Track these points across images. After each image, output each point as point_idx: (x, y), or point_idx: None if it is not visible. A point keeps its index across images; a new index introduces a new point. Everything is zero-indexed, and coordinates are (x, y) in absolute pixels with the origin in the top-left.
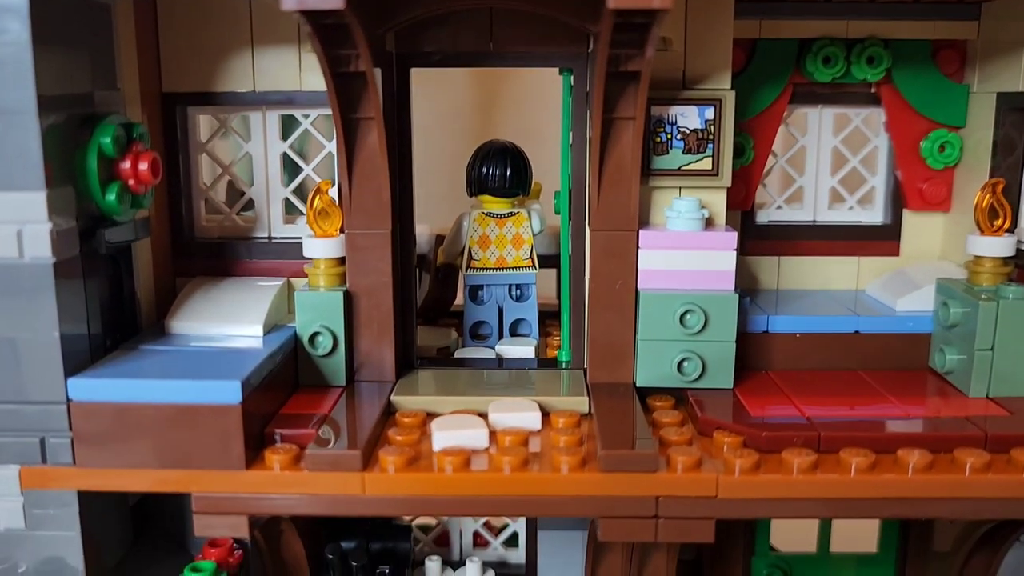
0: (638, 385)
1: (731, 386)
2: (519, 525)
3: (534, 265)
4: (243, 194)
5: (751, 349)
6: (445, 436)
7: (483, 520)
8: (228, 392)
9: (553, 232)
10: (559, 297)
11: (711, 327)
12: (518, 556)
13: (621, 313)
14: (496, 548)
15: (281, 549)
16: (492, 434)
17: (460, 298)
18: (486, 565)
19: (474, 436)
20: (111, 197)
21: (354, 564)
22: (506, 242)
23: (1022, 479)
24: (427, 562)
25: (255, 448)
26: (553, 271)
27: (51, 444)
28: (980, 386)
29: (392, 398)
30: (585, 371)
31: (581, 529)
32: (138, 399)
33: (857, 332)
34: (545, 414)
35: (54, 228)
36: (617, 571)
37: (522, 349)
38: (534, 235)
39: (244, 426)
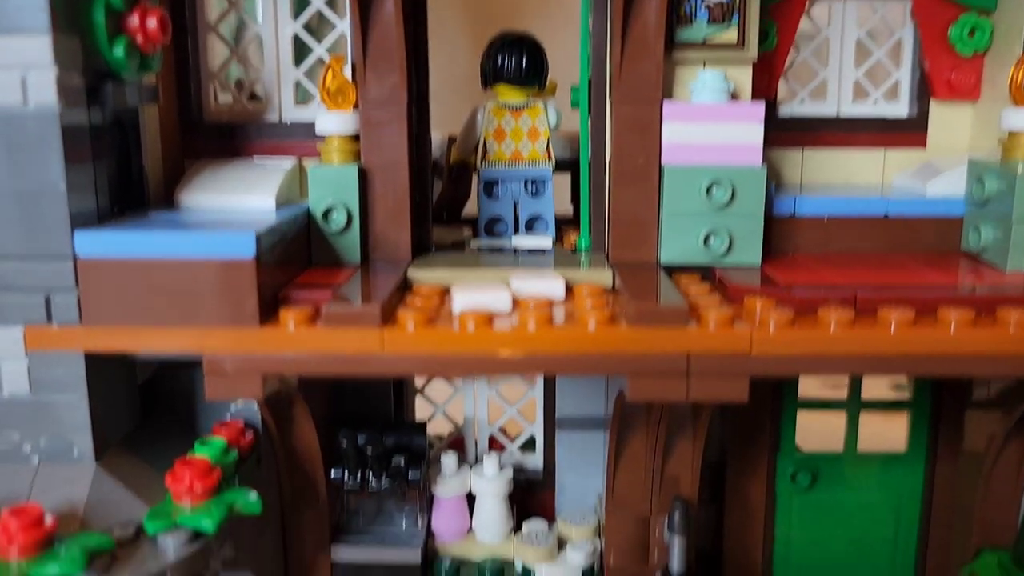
0: (663, 262)
1: (759, 262)
2: (536, 428)
3: (550, 158)
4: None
5: (777, 233)
6: (466, 298)
7: (499, 424)
8: (242, 245)
9: (567, 136)
10: (574, 202)
11: (738, 201)
12: (535, 461)
13: (644, 189)
14: (513, 453)
15: (293, 438)
16: (515, 302)
17: (474, 206)
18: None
19: (496, 298)
20: (118, 51)
21: (368, 450)
22: (522, 135)
23: None
24: (443, 458)
25: (269, 311)
26: (567, 179)
27: (56, 302)
28: (1018, 258)
29: (409, 272)
30: (607, 255)
31: (600, 430)
32: (148, 254)
33: (887, 216)
34: (568, 289)
35: (60, 74)
36: (640, 470)
37: (539, 241)
38: (550, 129)
39: (258, 282)
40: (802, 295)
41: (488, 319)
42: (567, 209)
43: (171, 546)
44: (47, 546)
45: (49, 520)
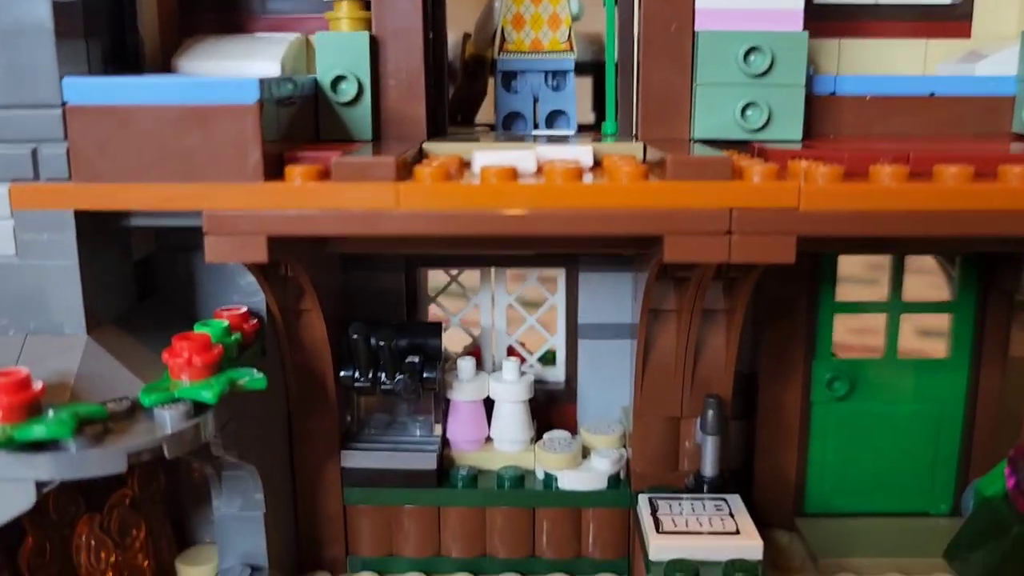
0: (696, 138)
1: (799, 138)
2: (557, 339)
3: (572, 49)
4: None
5: (816, 112)
6: (488, 156)
7: (518, 335)
8: (245, 90)
9: (588, 37)
10: (596, 109)
11: (777, 69)
12: (556, 374)
13: (677, 59)
14: (532, 365)
15: (301, 331)
16: (540, 166)
17: (489, 112)
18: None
19: (521, 157)
20: None
21: (380, 344)
22: (542, 22)
23: None
24: (460, 362)
25: (274, 171)
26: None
27: (44, 155)
28: None
29: (424, 146)
30: (636, 136)
31: (626, 338)
32: (143, 100)
33: (933, 95)
34: (596, 163)
35: None
36: (670, 369)
37: (560, 133)
38: (572, 17)
39: (262, 132)
40: (853, 153)
41: (512, 173)
42: (589, 118)
43: (168, 419)
44: (34, 412)
45: (37, 385)
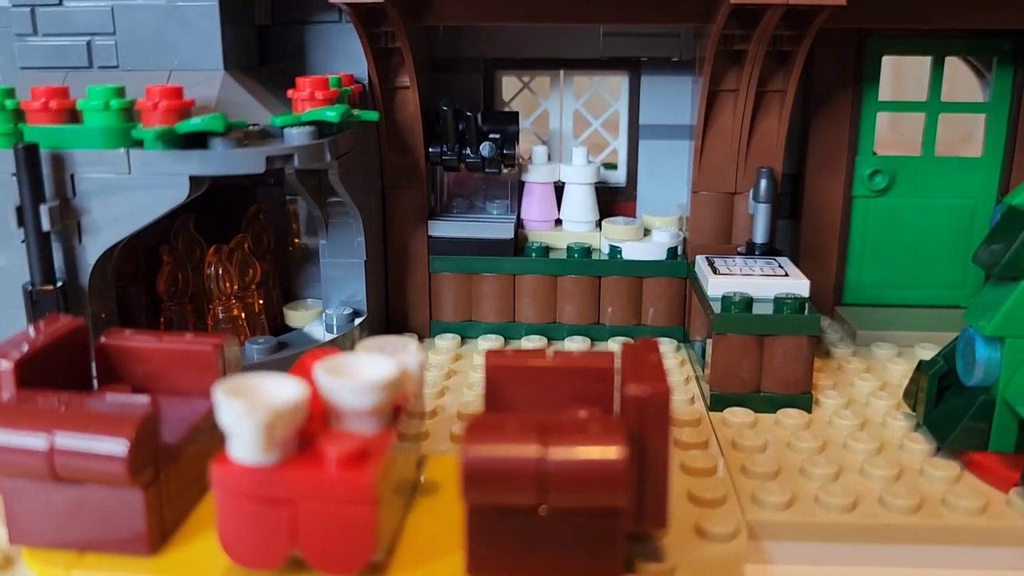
0: None
1: None
2: (620, 143)
3: None
4: None
5: None
6: None
7: (583, 138)
8: None
9: None
10: None
11: None
12: (618, 177)
13: None
14: (598, 168)
15: (396, 107)
16: None
17: None
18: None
19: None
20: None
21: (468, 116)
22: None
23: None
24: (534, 148)
25: None
26: None
27: None
28: None
29: None
30: None
31: (684, 139)
32: None
33: None
34: None
35: None
36: (726, 145)
37: None
38: None
39: None
40: None
41: None
42: None
43: (297, 135)
44: (187, 117)
45: (188, 97)
